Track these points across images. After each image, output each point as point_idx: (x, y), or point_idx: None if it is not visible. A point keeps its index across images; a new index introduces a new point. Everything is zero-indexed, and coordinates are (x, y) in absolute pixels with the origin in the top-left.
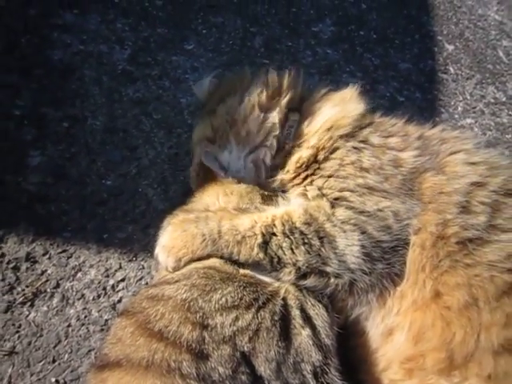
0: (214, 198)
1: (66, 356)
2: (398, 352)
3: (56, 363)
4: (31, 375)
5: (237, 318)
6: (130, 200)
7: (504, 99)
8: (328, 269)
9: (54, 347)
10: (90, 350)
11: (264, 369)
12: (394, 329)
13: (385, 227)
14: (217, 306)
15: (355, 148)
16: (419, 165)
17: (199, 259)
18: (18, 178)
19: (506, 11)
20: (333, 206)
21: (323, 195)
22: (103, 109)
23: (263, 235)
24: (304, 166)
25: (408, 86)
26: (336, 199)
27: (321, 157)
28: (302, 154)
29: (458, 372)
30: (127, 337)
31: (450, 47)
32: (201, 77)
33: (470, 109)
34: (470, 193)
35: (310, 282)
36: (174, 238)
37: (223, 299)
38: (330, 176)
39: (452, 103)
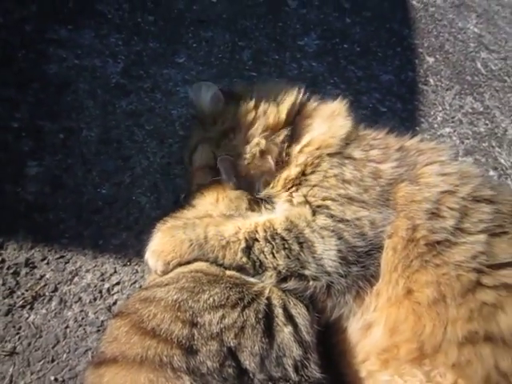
0: (213, 203)
1: (65, 356)
2: (376, 345)
3: (55, 362)
4: (31, 374)
5: (223, 316)
6: (123, 208)
7: (481, 109)
8: (307, 272)
9: (53, 347)
10: (87, 350)
11: (249, 362)
12: (371, 324)
13: (360, 234)
14: (205, 305)
15: (339, 163)
16: (397, 176)
17: (187, 263)
18: (17, 188)
19: (485, 24)
20: (314, 213)
21: (307, 202)
22: (97, 121)
23: (246, 241)
24: (292, 181)
25: (390, 97)
26: (318, 206)
27: (308, 171)
28: (291, 171)
29: (427, 361)
30: (122, 335)
31: (431, 59)
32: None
33: (449, 118)
34: (439, 200)
35: (290, 284)
36: (163, 243)
37: (211, 299)
38: (314, 185)
39: (432, 113)
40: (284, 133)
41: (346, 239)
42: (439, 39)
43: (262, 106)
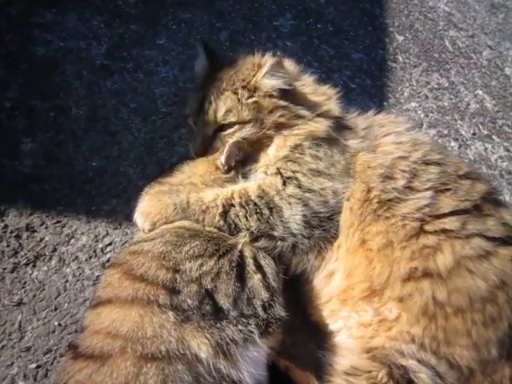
0: (202, 175)
1: (66, 305)
2: (336, 288)
3: (58, 311)
4: (37, 320)
5: (202, 264)
6: (113, 178)
7: (447, 84)
8: (275, 233)
9: (55, 298)
10: (85, 300)
11: (224, 302)
12: (333, 272)
13: (324, 202)
14: (186, 255)
15: (317, 143)
16: (360, 149)
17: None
18: (14, 162)
19: (455, 3)
20: (284, 183)
21: (279, 173)
22: (85, 99)
23: (223, 206)
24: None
25: (360, 75)
26: (289, 178)
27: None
28: (280, 153)
29: (377, 298)
30: (115, 281)
31: (400, 38)
32: (172, 69)
33: (415, 94)
34: (393, 164)
35: (261, 243)
36: (150, 205)
37: (191, 251)
38: (289, 160)
39: (399, 89)
40: (301, 111)
41: (310, 206)
42: (410, 18)
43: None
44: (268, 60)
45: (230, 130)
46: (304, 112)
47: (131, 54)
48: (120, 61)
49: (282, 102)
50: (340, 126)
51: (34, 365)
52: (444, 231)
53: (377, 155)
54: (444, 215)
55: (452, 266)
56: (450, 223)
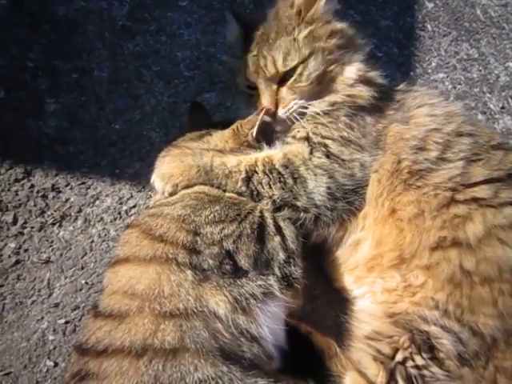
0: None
1: (92, 264)
2: (364, 256)
3: (84, 270)
4: (65, 278)
5: (223, 229)
6: (136, 142)
7: (476, 55)
8: (298, 203)
9: (82, 257)
10: (110, 260)
11: (244, 262)
12: (360, 241)
13: (350, 175)
14: (206, 220)
15: (353, 113)
16: (393, 120)
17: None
18: (39, 122)
19: None
20: (311, 152)
21: (308, 138)
22: (107, 61)
23: (246, 172)
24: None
25: (387, 43)
26: (317, 144)
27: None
28: (317, 108)
29: (405, 266)
30: (133, 239)
31: (430, 5)
32: (194, 33)
33: (444, 64)
34: (427, 136)
35: (284, 213)
36: (172, 167)
37: (211, 215)
38: (321, 124)
39: (427, 59)
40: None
41: (336, 178)
42: None
43: None
44: None
45: (295, 75)
46: (360, 41)
47: (153, 15)
48: (142, 22)
49: (339, 25)
50: (380, 97)
51: (63, 320)
52: (475, 200)
53: (410, 127)
54: (475, 184)
55: (482, 235)
56: (482, 191)
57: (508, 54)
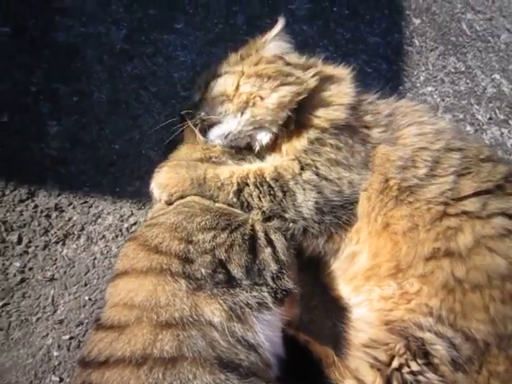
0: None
1: (95, 281)
2: (361, 266)
3: (87, 286)
4: (69, 295)
5: (215, 236)
6: (135, 161)
7: (463, 69)
8: (286, 215)
9: (85, 274)
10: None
11: (237, 271)
12: (356, 253)
13: (338, 192)
14: (198, 226)
15: (337, 133)
16: (381, 140)
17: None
18: (41, 144)
19: None
20: (302, 168)
21: (297, 158)
22: (106, 84)
23: (238, 184)
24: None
25: (375, 59)
26: (307, 164)
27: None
28: (298, 146)
29: (401, 275)
30: (131, 252)
31: (417, 21)
32: (190, 54)
33: (432, 78)
34: (414, 155)
35: (274, 223)
36: (168, 177)
37: (203, 222)
38: (308, 150)
39: (415, 73)
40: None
41: (324, 194)
42: (426, 0)
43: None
44: (278, 24)
45: None
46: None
47: (150, 38)
48: (139, 45)
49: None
50: (361, 113)
51: (67, 336)
52: (465, 213)
53: (397, 147)
54: (465, 197)
55: (472, 246)
56: (471, 205)
57: (494, 66)
